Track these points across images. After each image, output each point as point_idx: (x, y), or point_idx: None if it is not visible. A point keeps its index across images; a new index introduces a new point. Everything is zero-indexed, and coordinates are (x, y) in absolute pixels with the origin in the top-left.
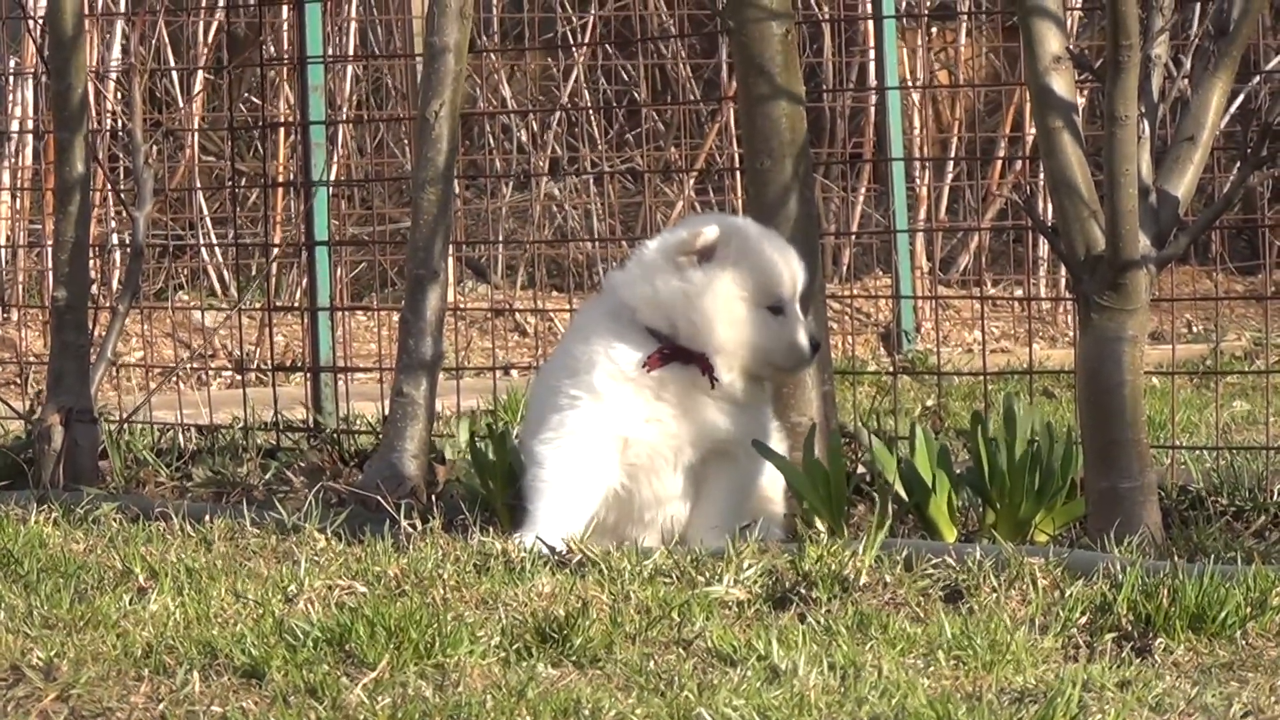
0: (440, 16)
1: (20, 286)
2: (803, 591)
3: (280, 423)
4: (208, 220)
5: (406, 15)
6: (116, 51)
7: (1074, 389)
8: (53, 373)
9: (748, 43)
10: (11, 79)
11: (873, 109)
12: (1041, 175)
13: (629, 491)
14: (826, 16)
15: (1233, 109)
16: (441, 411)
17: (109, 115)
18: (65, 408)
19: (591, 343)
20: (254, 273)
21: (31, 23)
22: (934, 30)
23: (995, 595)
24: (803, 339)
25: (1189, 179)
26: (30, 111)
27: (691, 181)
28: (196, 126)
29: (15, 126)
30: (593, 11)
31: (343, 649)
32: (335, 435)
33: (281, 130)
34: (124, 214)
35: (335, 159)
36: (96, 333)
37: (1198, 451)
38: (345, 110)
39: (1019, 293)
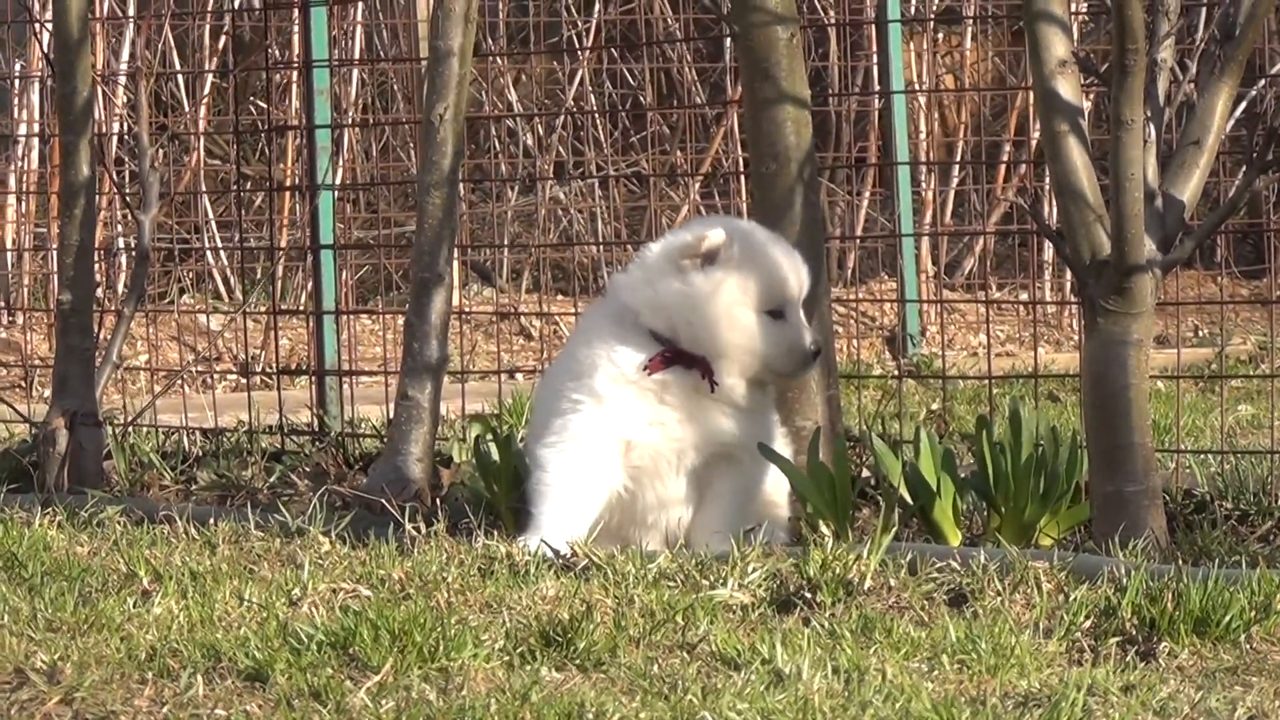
0: (445, 20)
1: (25, 290)
2: (807, 595)
3: (285, 426)
4: (213, 224)
5: (412, 19)
6: (123, 55)
7: (1079, 393)
8: (57, 376)
9: (753, 47)
10: (17, 82)
11: (878, 113)
12: (1046, 179)
13: (632, 494)
14: (832, 21)
15: (1238, 113)
16: (446, 415)
17: (115, 119)
18: (70, 411)
19: (594, 346)
20: (259, 276)
21: (38, 26)
22: (939, 34)
23: (1000, 599)
24: (804, 344)
25: (1194, 183)
26: (36, 115)
27: (697, 185)
28: (202, 130)
29: (21, 130)
30: (598, 15)
31: (347, 652)
32: (340, 438)
33: (289, 134)
34: (129, 217)
35: (340, 163)
36: (102, 336)
37: (1203, 455)
38: (351, 114)
39: (1024, 297)
